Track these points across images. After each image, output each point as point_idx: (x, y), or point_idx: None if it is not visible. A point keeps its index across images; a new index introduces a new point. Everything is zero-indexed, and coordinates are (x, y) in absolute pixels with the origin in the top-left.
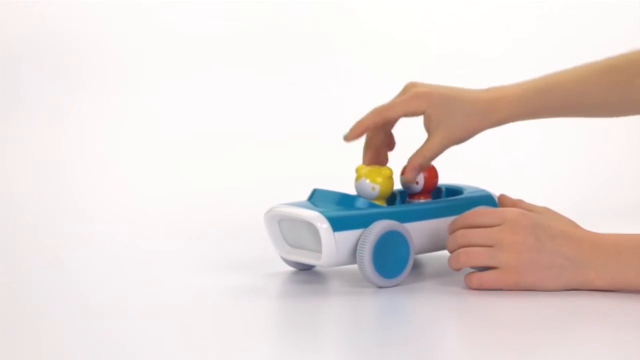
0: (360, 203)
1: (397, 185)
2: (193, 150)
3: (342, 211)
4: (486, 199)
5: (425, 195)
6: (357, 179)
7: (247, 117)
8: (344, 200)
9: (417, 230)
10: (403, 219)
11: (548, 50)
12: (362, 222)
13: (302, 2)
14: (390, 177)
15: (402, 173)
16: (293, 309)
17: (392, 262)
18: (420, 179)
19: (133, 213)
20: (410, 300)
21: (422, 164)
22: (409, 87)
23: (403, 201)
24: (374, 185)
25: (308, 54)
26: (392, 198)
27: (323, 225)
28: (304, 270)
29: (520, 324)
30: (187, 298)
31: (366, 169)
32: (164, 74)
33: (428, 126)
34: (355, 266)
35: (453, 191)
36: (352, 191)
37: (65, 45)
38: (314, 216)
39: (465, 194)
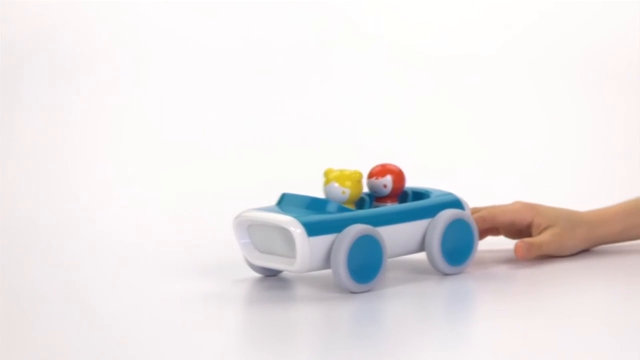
0: (331, 207)
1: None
2: (163, 156)
3: (316, 216)
4: (453, 202)
5: (392, 198)
6: (327, 182)
7: (219, 123)
8: (315, 204)
9: (389, 234)
10: (376, 223)
11: (548, 50)
12: (336, 226)
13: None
14: (360, 181)
15: (516, 253)
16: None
17: (365, 267)
18: (389, 182)
19: (106, 217)
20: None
21: (535, 254)
22: (516, 201)
23: (371, 205)
24: (344, 189)
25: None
26: (360, 201)
27: (297, 230)
28: (271, 276)
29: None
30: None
31: (335, 172)
32: (164, 75)
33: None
34: (323, 271)
35: (419, 194)
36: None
37: (65, 45)
38: (288, 221)
39: (432, 197)
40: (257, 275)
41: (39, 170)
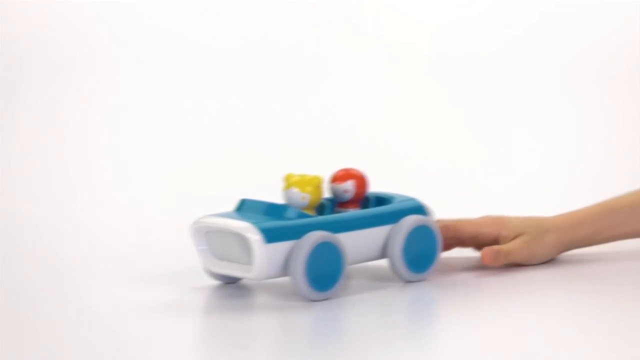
0: (290, 213)
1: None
2: (162, 156)
3: (274, 222)
4: (416, 208)
5: (354, 204)
6: (286, 188)
7: (219, 123)
8: (274, 210)
9: (350, 241)
10: (336, 229)
11: (548, 50)
12: (295, 233)
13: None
14: (320, 186)
15: (483, 260)
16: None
17: (325, 275)
18: (351, 187)
19: (105, 217)
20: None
21: (502, 262)
22: (483, 216)
23: (332, 210)
24: (304, 194)
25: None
26: (320, 207)
27: (255, 237)
28: (230, 283)
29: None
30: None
31: (295, 177)
32: (163, 75)
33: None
34: (283, 279)
35: (381, 200)
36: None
37: (65, 45)
38: (245, 227)
39: (395, 203)
40: (216, 282)
41: (38, 170)
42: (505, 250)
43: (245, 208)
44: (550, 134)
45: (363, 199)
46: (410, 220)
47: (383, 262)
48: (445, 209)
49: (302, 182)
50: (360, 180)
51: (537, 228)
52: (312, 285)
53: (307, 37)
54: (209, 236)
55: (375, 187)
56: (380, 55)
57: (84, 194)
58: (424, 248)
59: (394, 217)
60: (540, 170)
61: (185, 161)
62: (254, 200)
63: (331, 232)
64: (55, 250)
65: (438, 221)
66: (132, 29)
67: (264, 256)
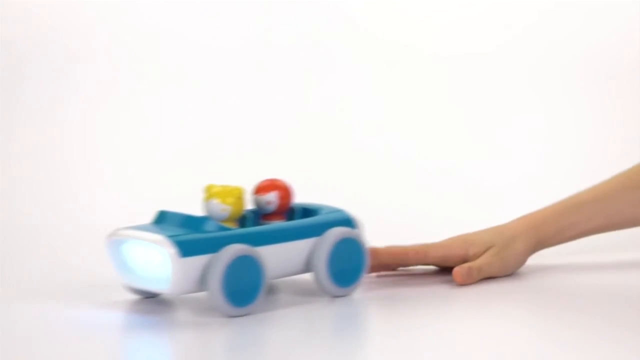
0: (209, 225)
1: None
2: (162, 156)
3: (190, 235)
4: (343, 220)
5: (279, 216)
6: (207, 199)
7: (218, 124)
8: (192, 222)
9: (271, 254)
10: (256, 242)
11: (548, 50)
12: (212, 246)
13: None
14: (241, 198)
15: (455, 279)
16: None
17: (244, 290)
18: (274, 198)
19: (104, 218)
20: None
21: (476, 278)
22: (448, 238)
23: (256, 222)
24: (224, 206)
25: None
26: (243, 219)
27: (170, 251)
28: (150, 298)
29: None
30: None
31: (216, 188)
32: (163, 75)
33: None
34: (204, 293)
35: (308, 211)
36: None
37: (64, 44)
38: (160, 240)
39: (321, 215)
40: (136, 297)
41: (37, 170)
42: (477, 265)
43: (163, 220)
44: (550, 135)
45: (289, 211)
46: (336, 233)
47: (309, 277)
48: (445, 209)
49: (223, 193)
50: (284, 191)
51: (503, 238)
52: (230, 300)
53: (306, 38)
54: (125, 249)
55: (374, 188)
56: (379, 56)
57: (84, 194)
58: (350, 262)
59: (318, 229)
60: (540, 170)
61: (185, 162)
62: (172, 212)
63: (251, 245)
64: (55, 251)
65: (408, 247)
66: (132, 30)
67: (179, 270)
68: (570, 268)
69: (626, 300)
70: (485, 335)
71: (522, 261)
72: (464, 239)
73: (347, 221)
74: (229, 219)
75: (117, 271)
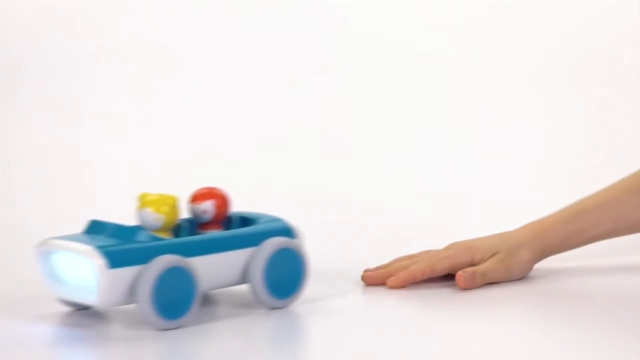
0: (140, 235)
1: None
2: (162, 157)
3: (120, 245)
4: (281, 230)
5: (216, 225)
6: (139, 208)
7: (218, 125)
8: (123, 232)
9: (205, 265)
10: (189, 253)
11: (551, 54)
12: (143, 257)
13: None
14: (176, 206)
15: (459, 284)
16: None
17: (175, 302)
18: (210, 207)
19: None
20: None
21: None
22: (452, 245)
23: (192, 232)
24: (157, 215)
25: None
26: (178, 228)
27: (98, 262)
28: (82, 310)
29: None
30: None
31: (150, 197)
32: (163, 75)
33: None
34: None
35: (246, 220)
36: None
37: (64, 44)
38: (88, 251)
39: (258, 224)
40: (67, 309)
41: (37, 171)
42: (481, 270)
43: (95, 230)
44: (554, 139)
45: (226, 220)
46: (273, 243)
47: (246, 288)
48: (448, 212)
49: (157, 201)
50: (221, 200)
51: (509, 245)
52: (161, 313)
53: (305, 39)
54: (54, 259)
55: (372, 193)
56: (380, 58)
57: (82, 195)
58: (288, 273)
59: (255, 239)
60: (544, 174)
61: (184, 164)
62: (104, 221)
63: (184, 255)
64: None
65: (415, 270)
66: (132, 30)
67: (108, 282)
68: (575, 271)
69: (632, 303)
70: (489, 339)
71: (528, 269)
72: (466, 246)
73: (286, 231)
74: (162, 229)
75: (47, 282)
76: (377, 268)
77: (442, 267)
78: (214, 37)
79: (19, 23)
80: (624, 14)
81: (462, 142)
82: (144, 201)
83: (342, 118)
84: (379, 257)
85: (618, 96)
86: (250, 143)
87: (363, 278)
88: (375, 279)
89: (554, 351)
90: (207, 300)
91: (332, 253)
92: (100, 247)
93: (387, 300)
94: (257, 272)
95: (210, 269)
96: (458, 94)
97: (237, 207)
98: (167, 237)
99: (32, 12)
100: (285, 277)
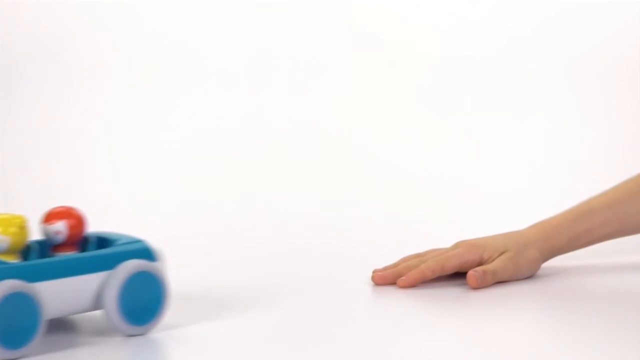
0: None
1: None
2: (161, 158)
3: None
4: (140, 252)
5: (71, 247)
6: None
7: (218, 126)
8: None
9: (52, 290)
10: (35, 278)
11: (550, 53)
12: None
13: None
14: (24, 227)
15: (470, 283)
16: None
17: (17, 330)
18: (62, 228)
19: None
20: None
21: (490, 282)
22: (460, 243)
23: (44, 254)
24: (3, 237)
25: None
26: (27, 251)
27: None
28: None
29: None
30: None
31: None
32: (163, 77)
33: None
34: None
35: (104, 241)
36: None
37: (64, 44)
38: None
39: (115, 246)
40: None
41: (36, 171)
42: (492, 269)
43: None
44: (553, 138)
45: (82, 241)
46: (130, 266)
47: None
48: (449, 214)
49: (3, 222)
50: (75, 220)
51: (517, 244)
52: (1, 342)
53: (303, 40)
54: None
55: (373, 192)
56: (378, 57)
57: (82, 195)
58: (145, 298)
59: (110, 262)
60: (543, 173)
61: (185, 165)
62: None
63: (28, 280)
64: None
65: (425, 268)
66: (132, 31)
67: None
68: (582, 270)
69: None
70: (504, 338)
71: (536, 268)
72: (474, 244)
73: (145, 253)
74: (8, 251)
75: None
76: (386, 268)
77: (451, 266)
78: (214, 37)
79: (19, 23)
80: (624, 14)
81: (462, 141)
82: None
83: (342, 118)
84: (381, 257)
85: (622, 93)
86: (249, 143)
87: (373, 278)
88: (385, 279)
89: (567, 351)
90: (61, 326)
91: (337, 254)
92: None
93: (399, 300)
94: (111, 298)
95: (59, 294)
96: (458, 93)
97: (248, 208)
98: (12, 261)
99: (32, 12)
100: (143, 302)
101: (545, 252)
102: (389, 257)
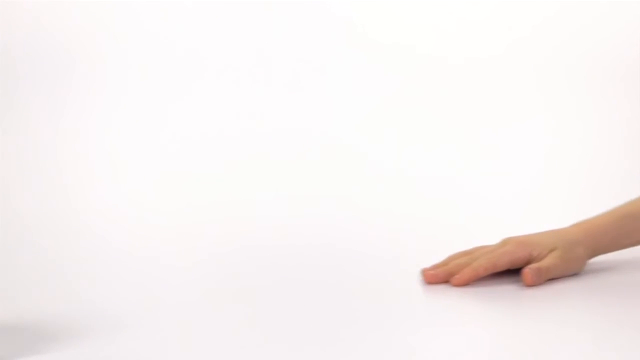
0: None
1: None
2: (161, 159)
3: None
4: None
5: None
6: None
7: (217, 127)
8: None
9: None
10: None
11: (548, 51)
12: None
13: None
14: None
15: (526, 280)
16: None
17: None
18: None
19: (103, 220)
20: None
21: (544, 279)
22: (507, 240)
23: None
24: None
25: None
26: None
27: None
28: None
29: None
30: None
31: None
32: (163, 77)
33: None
34: None
35: None
36: None
37: (63, 44)
38: None
39: None
40: None
41: (37, 171)
42: (545, 266)
43: None
44: (556, 139)
45: None
46: None
47: None
48: (451, 216)
49: None
50: None
51: (566, 241)
52: None
53: (303, 41)
54: None
55: (372, 195)
56: (379, 59)
57: (81, 195)
58: None
59: None
60: (546, 175)
61: (184, 167)
62: None
63: None
64: (49, 251)
65: (478, 266)
66: (131, 32)
67: None
68: (626, 266)
69: None
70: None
71: (583, 265)
72: (522, 242)
73: None
74: None
75: None
76: (435, 266)
77: (503, 263)
78: (213, 38)
79: (19, 23)
80: (624, 15)
81: (464, 141)
82: None
83: (343, 119)
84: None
85: (623, 94)
86: (250, 143)
87: (425, 277)
88: (438, 278)
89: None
90: None
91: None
92: None
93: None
94: None
95: None
96: (458, 93)
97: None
98: None
99: (32, 12)
100: None
101: (590, 251)
102: (388, 258)
